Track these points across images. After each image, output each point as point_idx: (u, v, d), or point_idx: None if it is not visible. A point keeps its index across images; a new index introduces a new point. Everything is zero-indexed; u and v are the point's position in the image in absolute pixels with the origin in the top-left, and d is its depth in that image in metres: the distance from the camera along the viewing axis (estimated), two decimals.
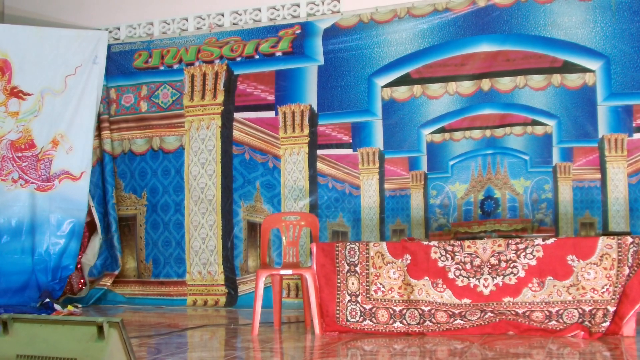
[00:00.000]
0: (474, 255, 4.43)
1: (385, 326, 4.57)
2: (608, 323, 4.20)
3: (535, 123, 5.84)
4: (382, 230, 6.15)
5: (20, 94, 6.46)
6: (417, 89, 6.14)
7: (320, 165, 6.37)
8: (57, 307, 6.07)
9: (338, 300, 4.67)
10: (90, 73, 6.80)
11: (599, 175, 5.66)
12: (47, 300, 6.18)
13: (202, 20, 6.86)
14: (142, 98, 6.99)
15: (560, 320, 4.27)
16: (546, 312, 4.29)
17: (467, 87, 6.01)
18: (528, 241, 4.38)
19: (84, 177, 6.65)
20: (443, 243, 4.52)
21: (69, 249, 6.56)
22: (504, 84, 5.91)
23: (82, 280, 6.84)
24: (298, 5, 6.52)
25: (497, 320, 4.39)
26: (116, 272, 6.84)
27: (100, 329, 2.45)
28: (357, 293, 4.65)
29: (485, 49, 5.93)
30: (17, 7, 7.42)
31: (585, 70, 5.71)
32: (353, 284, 4.66)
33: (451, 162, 6.03)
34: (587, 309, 4.24)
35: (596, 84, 5.67)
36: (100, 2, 7.21)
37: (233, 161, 6.64)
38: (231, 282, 6.55)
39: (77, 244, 6.62)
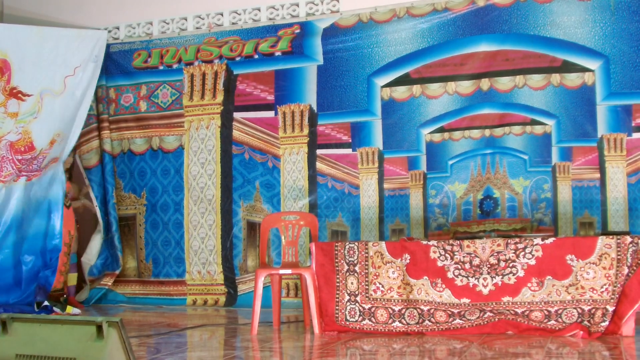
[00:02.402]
0: (473, 255, 4.44)
1: (384, 326, 4.57)
2: (607, 323, 4.20)
3: (534, 123, 5.85)
4: (381, 230, 6.16)
5: (20, 95, 6.45)
6: (416, 88, 6.15)
7: (319, 165, 6.38)
8: (55, 309, 6.06)
9: (337, 299, 4.68)
10: (90, 73, 6.79)
11: (598, 175, 5.67)
12: (46, 302, 6.16)
13: (201, 20, 6.86)
14: (142, 98, 6.99)
15: (560, 320, 4.27)
16: (545, 311, 4.29)
17: (466, 86, 6.01)
18: (527, 241, 4.38)
19: (61, 160, 6.58)
20: (442, 243, 4.52)
21: (49, 228, 6.40)
22: (503, 83, 5.91)
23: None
24: (297, 5, 6.52)
25: (496, 319, 4.39)
26: (117, 272, 6.85)
27: (99, 328, 2.45)
28: (357, 293, 4.65)
29: (484, 49, 5.94)
30: (17, 6, 7.42)
31: (584, 69, 5.72)
32: (352, 283, 4.66)
33: (450, 162, 6.03)
34: (586, 308, 4.24)
35: (595, 84, 5.68)
36: (99, 2, 7.21)
37: (233, 161, 6.64)
38: (230, 281, 6.56)
39: (59, 219, 6.39)
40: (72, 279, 6.59)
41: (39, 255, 6.35)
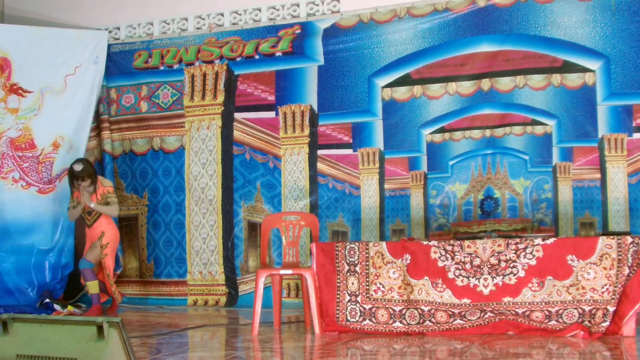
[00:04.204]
0: (473, 255, 4.44)
1: (385, 326, 4.57)
2: (608, 323, 4.20)
3: (535, 123, 5.85)
4: (382, 230, 6.16)
5: (20, 91, 6.45)
6: (417, 89, 6.15)
7: (320, 166, 6.38)
8: (57, 307, 6.07)
9: (338, 300, 4.68)
10: (91, 73, 6.80)
11: (598, 175, 5.67)
12: (47, 300, 6.17)
13: (201, 20, 6.86)
14: (143, 98, 7.00)
15: (560, 320, 4.27)
16: (546, 312, 4.29)
17: (467, 87, 6.01)
18: (528, 241, 4.38)
19: None
20: (443, 243, 4.52)
21: (66, 246, 6.55)
22: (504, 83, 5.91)
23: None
24: (298, 5, 6.53)
25: (497, 320, 4.39)
26: (118, 272, 6.84)
27: (100, 328, 2.45)
28: (357, 293, 4.65)
29: (485, 49, 5.94)
30: (17, 6, 7.43)
31: (585, 70, 5.72)
32: (353, 283, 4.66)
33: (451, 162, 6.03)
34: (587, 308, 4.24)
35: (596, 84, 5.68)
36: (100, 2, 7.22)
37: (234, 161, 6.64)
38: (231, 282, 6.56)
39: (72, 240, 6.58)
40: (93, 287, 6.13)
41: (50, 270, 6.41)
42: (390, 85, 6.21)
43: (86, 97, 6.76)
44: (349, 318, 4.65)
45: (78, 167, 6.09)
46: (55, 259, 6.50)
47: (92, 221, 6.22)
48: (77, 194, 6.20)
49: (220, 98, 6.71)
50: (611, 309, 4.20)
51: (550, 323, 4.29)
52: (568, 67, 5.75)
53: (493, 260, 4.40)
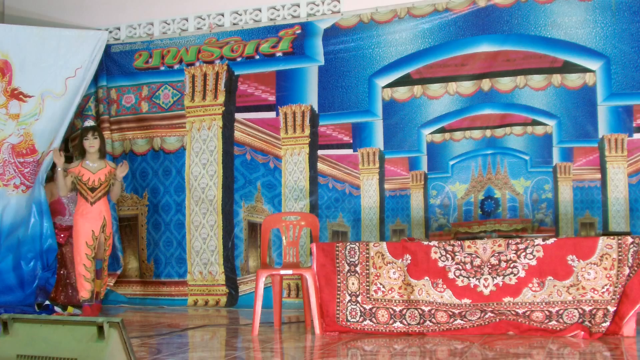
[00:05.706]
0: (474, 255, 4.44)
1: (385, 326, 4.57)
2: (608, 323, 4.20)
3: (535, 123, 5.85)
4: (382, 231, 6.16)
5: (21, 96, 6.44)
6: (417, 89, 6.15)
7: (320, 166, 6.38)
8: (57, 309, 6.07)
9: (338, 300, 4.68)
10: (90, 75, 6.78)
11: (599, 176, 5.67)
12: (47, 302, 6.17)
13: (202, 21, 6.86)
14: (143, 98, 7.00)
15: (561, 320, 4.27)
16: (546, 312, 4.29)
17: (467, 87, 6.01)
18: (528, 241, 4.38)
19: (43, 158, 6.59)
20: (443, 243, 4.53)
21: (44, 229, 6.42)
22: (504, 84, 5.91)
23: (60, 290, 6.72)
24: (298, 6, 6.53)
25: (497, 320, 4.39)
26: (118, 272, 6.85)
27: (100, 329, 2.46)
28: (357, 293, 4.65)
29: (485, 49, 5.94)
30: (18, 7, 7.43)
31: (585, 70, 5.72)
32: (353, 284, 4.66)
33: (451, 162, 6.04)
34: (587, 309, 4.24)
35: (596, 84, 5.68)
36: (100, 2, 7.21)
37: (234, 161, 6.64)
38: (232, 282, 6.56)
39: (49, 221, 6.42)
40: (98, 284, 6.03)
41: (38, 257, 6.37)
42: (390, 85, 6.22)
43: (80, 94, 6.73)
44: (349, 318, 4.65)
45: (90, 122, 6.07)
46: (38, 245, 6.41)
47: (96, 199, 5.88)
48: (78, 169, 5.83)
49: (221, 98, 6.71)
50: (611, 309, 4.20)
51: (550, 323, 4.29)
52: (568, 68, 5.75)
53: (493, 261, 4.40)
